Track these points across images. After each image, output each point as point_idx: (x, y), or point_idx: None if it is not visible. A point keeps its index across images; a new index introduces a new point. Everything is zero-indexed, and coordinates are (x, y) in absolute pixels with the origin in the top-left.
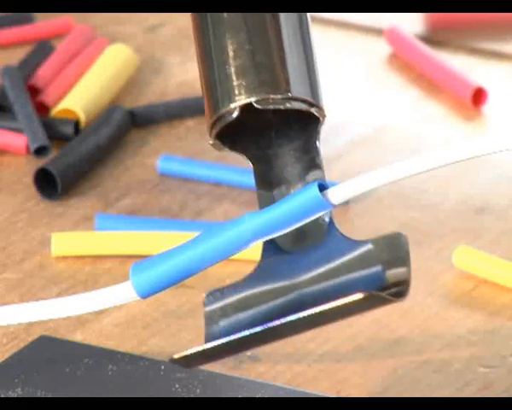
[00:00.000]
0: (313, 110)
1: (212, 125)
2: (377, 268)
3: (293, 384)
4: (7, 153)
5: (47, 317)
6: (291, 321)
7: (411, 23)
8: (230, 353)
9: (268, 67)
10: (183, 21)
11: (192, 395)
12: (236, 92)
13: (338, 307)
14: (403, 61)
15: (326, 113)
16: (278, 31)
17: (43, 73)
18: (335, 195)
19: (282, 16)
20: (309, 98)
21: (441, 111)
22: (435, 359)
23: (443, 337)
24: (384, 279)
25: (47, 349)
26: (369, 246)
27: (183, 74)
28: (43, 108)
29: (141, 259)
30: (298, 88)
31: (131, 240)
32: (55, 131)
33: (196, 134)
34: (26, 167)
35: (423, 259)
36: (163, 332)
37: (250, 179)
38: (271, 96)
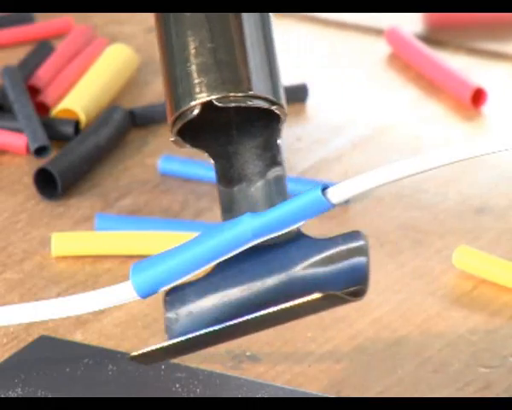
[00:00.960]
0: (274, 108)
1: (174, 123)
2: (336, 267)
3: (293, 384)
4: (7, 153)
5: (47, 317)
6: (251, 319)
7: (411, 23)
8: (191, 350)
9: (229, 64)
10: None
11: (192, 395)
12: (197, 90)
13: (297, 306)
14: (403, 61)
15: (287, 111)
16: (240, 28)
17: (43, 73)
18: (335, 194)
19: (245, 14)
20: (270, 96)
21: (441, 111)
22: (435, 359)
23: (443, 337)
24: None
25: (47, 349)
26: (328, 244)
27: None
28: (43, 108)
29: (141, 259)
30: (259, 86)
31: (131, 240)
32: (55, 131)
33: None
34: (26, 167)
35: (423, 259)
36: (163, 332)
37: None
38: (232, 94)
